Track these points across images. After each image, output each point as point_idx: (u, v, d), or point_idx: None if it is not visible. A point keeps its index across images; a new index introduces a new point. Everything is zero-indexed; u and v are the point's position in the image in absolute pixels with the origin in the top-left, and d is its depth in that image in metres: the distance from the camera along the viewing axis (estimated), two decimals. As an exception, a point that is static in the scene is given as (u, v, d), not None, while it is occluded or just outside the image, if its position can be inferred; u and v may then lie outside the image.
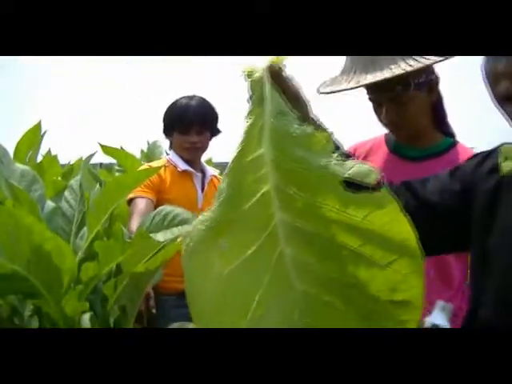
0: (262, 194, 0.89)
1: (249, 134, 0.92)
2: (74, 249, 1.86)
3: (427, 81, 1.75)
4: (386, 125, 1.82)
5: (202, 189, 2.79)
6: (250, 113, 0.94)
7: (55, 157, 3.68)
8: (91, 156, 3.69)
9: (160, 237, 1.72)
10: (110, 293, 1.89)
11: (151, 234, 1.72)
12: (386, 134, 1.95)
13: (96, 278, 1.78)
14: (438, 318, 1.50)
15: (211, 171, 2.92)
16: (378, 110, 1.80)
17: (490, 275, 1.13)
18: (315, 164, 0.89)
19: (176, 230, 1.73)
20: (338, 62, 1.89)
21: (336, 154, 0.90)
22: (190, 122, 2.70)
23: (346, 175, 0.87)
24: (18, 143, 3.34)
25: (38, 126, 3.39)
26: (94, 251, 1.77)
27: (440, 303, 1.52)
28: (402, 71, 1.62)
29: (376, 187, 0.88)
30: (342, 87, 1.72)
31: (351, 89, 1.71)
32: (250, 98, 0.98)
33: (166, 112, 2.81)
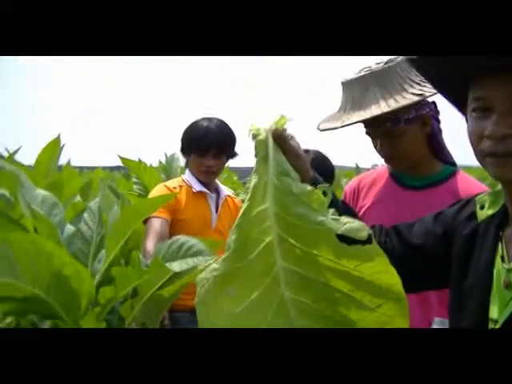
0: (266, 244, 1.00)
1: (254, 190, 1.03)
2: (93, 271, 1.92)
3: (418, 116, 1.81)
4: (382, 157, 1.91)
5: (216, 209, 2.84)
6: (256, 171, 1.05)
7: (75, 169, 3.75)
8: (109, 180, 3.77)
9: (176, 266, 1.78)
10: (127, 313, 1.94)
11: (167, 263, 1.79)
12: None
13: (113, 300, 1.84)
14: None
15: (225, 191, 2.96)
16: (373, 142, 1.90)
17: (464, 313, 1.22)
18: (313, 220, 1.00)
19: (191, 261, 1.78)
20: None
21: (332, 211, 1.01)
22: (208, 146, 2.74)
23: (340, 231, 0.98)
24: (39, 157, 3.42)
25: (57, 140, 3.47)
26: (112, 275, 1.83)
27: (437, 320, 1.59)
28: (380, 112, 1.70)
29: (366, 242, 0.98)
30: (333, 126, 1.81)
31: (341, 127, 1.79)
32: (256, 156, 1.08)
33: (184, 132, 2.85)
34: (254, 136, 1.09)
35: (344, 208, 1.35)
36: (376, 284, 0.98)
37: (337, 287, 0.99)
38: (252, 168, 1.08)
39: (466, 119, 1.16)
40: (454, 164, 1.96)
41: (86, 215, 2.07)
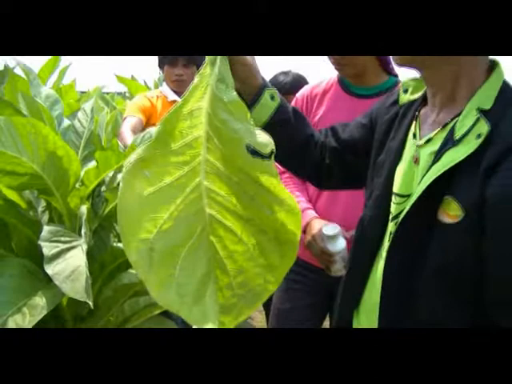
0: (194, 138, 1.05)
1: (194, 90, 1.08)
2: (81, 159, 2.23)
3: None
4: (332, 63, 2.06)
5: (188, 117, 3.17)
6: (201, 73, 1.09)
7: (73, 84, 4.09)
8: (103, 87, 4.14)
9: (147, 151, 2.09)
10: (112, 198, 2.23)
11: (140, 149, 2.10)
12: (338, 74, 2.18)
13: (96, 181, 2.12)
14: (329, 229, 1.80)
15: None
16: None
17: (375, 185, 1.30)
18: (232, 127, 1.05)
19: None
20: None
21: (252, 122, 1.06)
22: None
23: (248, 142, 1.04)
24: (40, 71, 3.77)
25: (56, 57, 3.81)
26: (96, 159, 2.11)
27: (328, 227, 1.82)
28: None
29: (268, 157, 1.04)
30: None
31: None
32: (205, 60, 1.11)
33: None
34: None
35: (294, 112, 1.40)
36: (273, 194, 1.05)
37: (245, 188, 1.05)
38: None
39: None
40: (397, 75, 2.15)
41: (79, 114, 2.40)
